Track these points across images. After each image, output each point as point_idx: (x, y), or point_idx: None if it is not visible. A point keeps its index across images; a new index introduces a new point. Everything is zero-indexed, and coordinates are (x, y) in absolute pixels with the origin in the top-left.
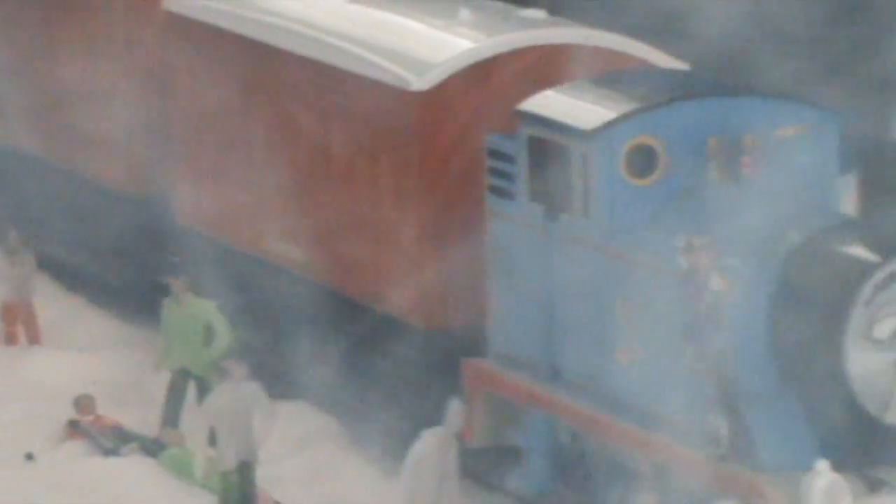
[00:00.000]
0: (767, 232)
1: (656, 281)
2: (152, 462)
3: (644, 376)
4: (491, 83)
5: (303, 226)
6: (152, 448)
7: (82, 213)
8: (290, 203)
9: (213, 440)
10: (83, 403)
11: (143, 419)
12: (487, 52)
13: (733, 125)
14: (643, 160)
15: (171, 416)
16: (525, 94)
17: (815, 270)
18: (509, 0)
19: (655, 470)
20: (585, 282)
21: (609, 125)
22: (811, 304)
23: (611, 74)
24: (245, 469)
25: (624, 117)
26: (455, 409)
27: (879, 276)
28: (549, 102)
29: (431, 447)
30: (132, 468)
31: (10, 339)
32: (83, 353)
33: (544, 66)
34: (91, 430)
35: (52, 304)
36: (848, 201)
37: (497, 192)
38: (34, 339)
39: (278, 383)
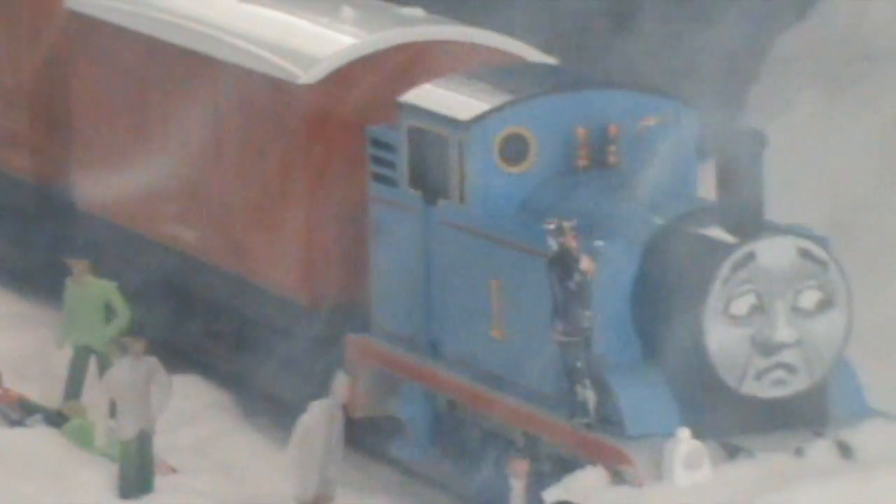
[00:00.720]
0: (631, 216)
1: (528, 262)
2: (56, 432)
3: (516, 351)
4: (373, 77)
5: (197, 211)
6: (56, 419)
7: None
8: (185, 190)
9: (113, 412)
10: None
11: (47, 392)
12: (370, 48)
13: (599, 116)
14: (515, 149)
15: (74, 390)
16: (405, 87)
17: (677, 252)
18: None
19: (527, 438)
20: (462, 263)
21: (483, 116)
22: (673, 283)
23: (485, 69)
24: (143, 438)
25: (497, 109)
26: (340, 381)
27: (736, 256)
28: (427, 95)
29: (318, 417)
30: (37, 438)
31: None
32: None
33: (423, 61)
34: None
35: None
36: (706, 187)
37: (379, 179)
38: None
39: (174, 359)
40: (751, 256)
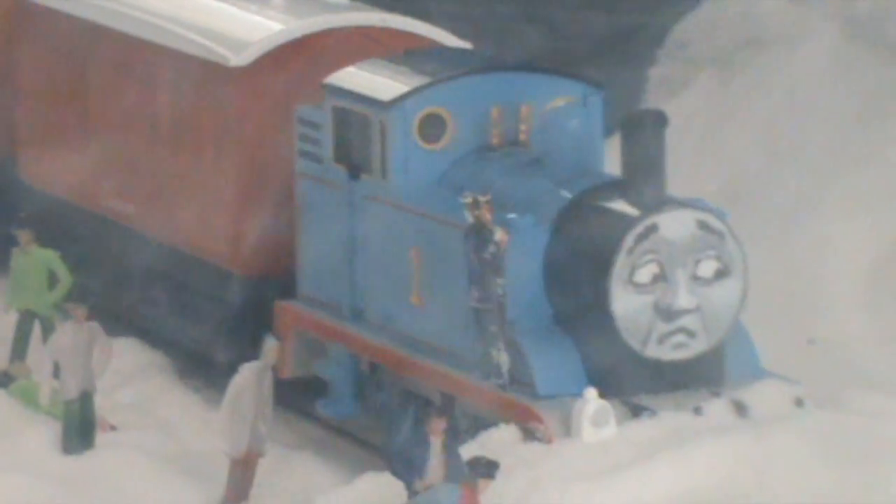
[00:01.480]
0: (542, 190)
1: (445, 233)
2: (2, 392)
3: (434, 316)
4: (301, 60)
5: (135, 185)
6: (2, 380)
7: None
8: (124, 166)
9: (56, 373)
10: None
11: None
12: (297, 33)
13: (512, 97)
14: (433, 127)
15: (19, 352)
16: (331, 69)
17: (584, 224)
18: None
19: (444, 398)
20: (383, 234)
21: (404, 97)
22: (581, 253)
23: (405, 53)
24: (85, 398)
25: (416, 90)
26: (270, 345)
27: (639, 228)
28: (351, 77)
29: (249, 379)
30: None
31: None
32: None
33: (347, 46)
34: None
35: None
36: (611, 163)
37: (306, 155)
38: None
39: (114, 323)
40: (653, 228)
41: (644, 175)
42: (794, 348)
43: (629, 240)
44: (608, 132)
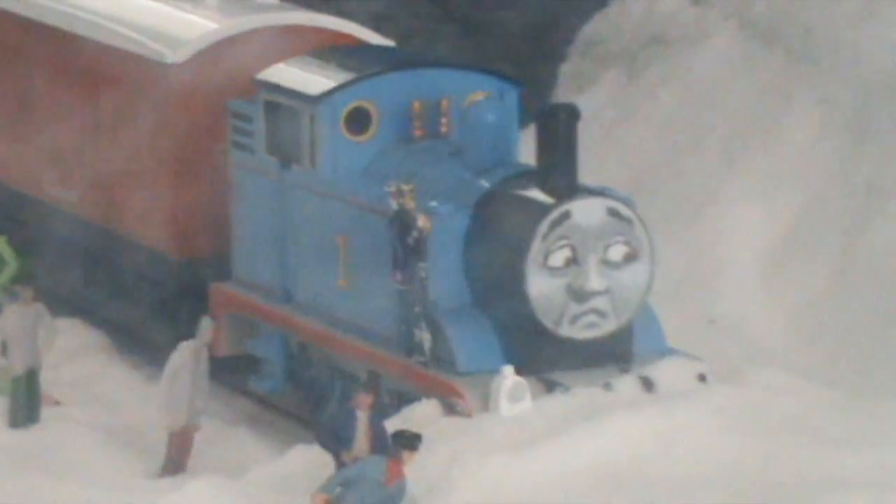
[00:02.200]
0: (462, 179)
1: (371, 220)
2: None
3: (360, 298)
4: (233, 57)
5: (78, 175)
6: None
7: None
8: (68, 156)
9: (4, 351)
10: None
11: None
12: (231, 31)
13: (433, 91)
14: (359, 120)
15: None
16: (262, 65)
17: (502, 211)
18: None
19: (370, 374)
20: (312, 221)
21: (331, 91)
22: (498, 239)
23: (332, 50)
24: (31, 375)
25: (343, 85)
26: (205, 324)
27: (553, 215)
28: (281, 73)
29: (186, 356)
30: None
31: None
32: None
33: (277, 43)
34: None
35: None
36: (527, 154)
37: (239, 146)
38: None
39: (58, 304)
40: (566, 215)
41: (557, 165)
42: (696, 327)
43: (544, 226)
44: (523, 124)
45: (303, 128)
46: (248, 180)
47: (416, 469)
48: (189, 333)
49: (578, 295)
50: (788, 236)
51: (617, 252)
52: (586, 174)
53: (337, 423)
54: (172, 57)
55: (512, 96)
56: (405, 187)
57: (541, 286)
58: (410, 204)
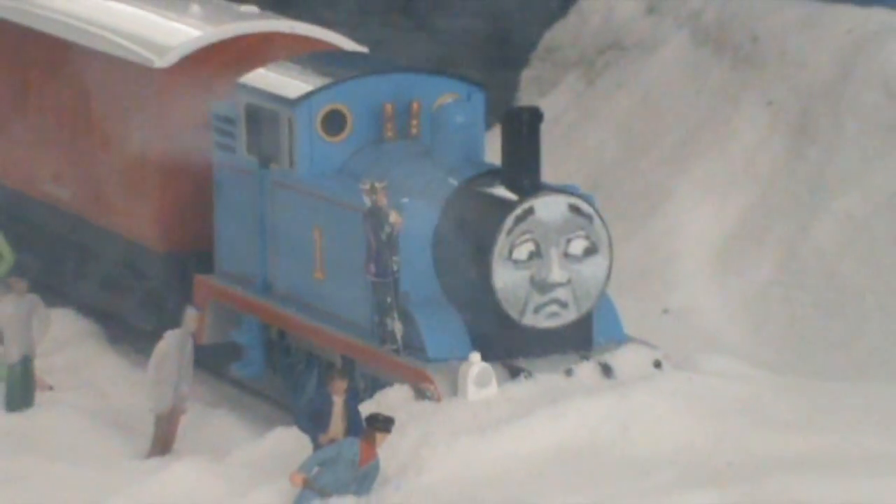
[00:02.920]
0: (431, 178)
1: (345, 216)
2: None
3: (336, 289)
4: (217, 62)
5: (70, 174)
6: None
7: None
8: (61, 156)
9: (1, 340)
10: None
11: None
12: (214, 38)
13: (403, 94)
14: (335, 122)
15: None
16: (243, 70)
17: (469, 208)
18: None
19: (345, 361)
20: (290, 217)
21: (308, 95)
22: (466, 234)
23: (308, 56)
24: (26, 362)
25: (320, 89)
26: (190, 314)
27: (517, 211)
28: (262, 78)
29: (172, 344)
30: None
31: None
32: None
33: (258, 49)
34: None
35: None
36: (492, 153)
37: (221, 147)
38: None
39: (51, 295)
40: (530, 211)
41: (521, 164)
42: (652, 317)
43: (508, 221)
44: (489, 126)
45: (281, 129)
46: (229, 179)
47: (389, 450)
48: (175, 323)
49: (541, 286)
50: (738, 231)
51: (577, 246)
52: (548, 173)
53: (314, 406)
54: (160, 62)
55: (478, 99)
56: (378, 185)
57: (506, 278)
58: (383, 201)
